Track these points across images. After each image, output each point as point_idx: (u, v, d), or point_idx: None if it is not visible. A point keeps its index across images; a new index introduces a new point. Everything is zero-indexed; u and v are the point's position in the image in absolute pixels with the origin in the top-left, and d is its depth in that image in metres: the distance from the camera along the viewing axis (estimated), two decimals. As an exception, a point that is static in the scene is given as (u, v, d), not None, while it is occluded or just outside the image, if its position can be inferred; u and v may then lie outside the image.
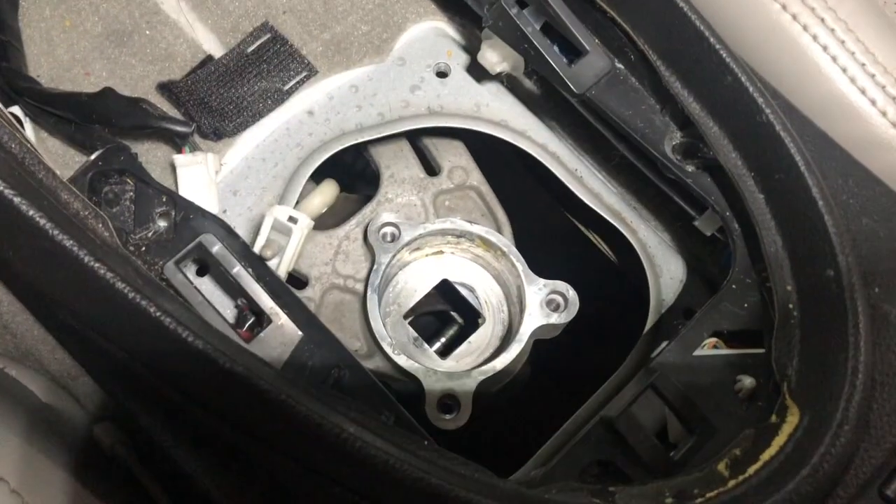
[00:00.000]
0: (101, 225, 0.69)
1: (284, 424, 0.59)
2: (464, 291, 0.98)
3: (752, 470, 0.62)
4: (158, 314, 0.60)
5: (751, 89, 0.71)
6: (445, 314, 1.04)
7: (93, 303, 0.62)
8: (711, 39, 0.72)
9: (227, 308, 0.78)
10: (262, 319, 0.74)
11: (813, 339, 0.67)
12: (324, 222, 1.09)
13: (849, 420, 0.61)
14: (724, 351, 0.72)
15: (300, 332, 0.72)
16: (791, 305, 0.69)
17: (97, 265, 0.60)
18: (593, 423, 0.69)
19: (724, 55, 0.71)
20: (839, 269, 0.66)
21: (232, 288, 0.75)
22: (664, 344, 0.78)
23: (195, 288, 0.72)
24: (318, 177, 1.01)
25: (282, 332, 0.72)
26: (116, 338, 0.62)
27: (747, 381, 0.69)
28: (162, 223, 0.78)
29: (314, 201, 1.07)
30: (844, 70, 0.81)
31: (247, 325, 0.76)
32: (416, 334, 0.95)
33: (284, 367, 0.69)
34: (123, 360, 0.64)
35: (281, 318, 0.72)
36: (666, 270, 0.91)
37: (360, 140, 0.93)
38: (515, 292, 0.94)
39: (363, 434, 0.59)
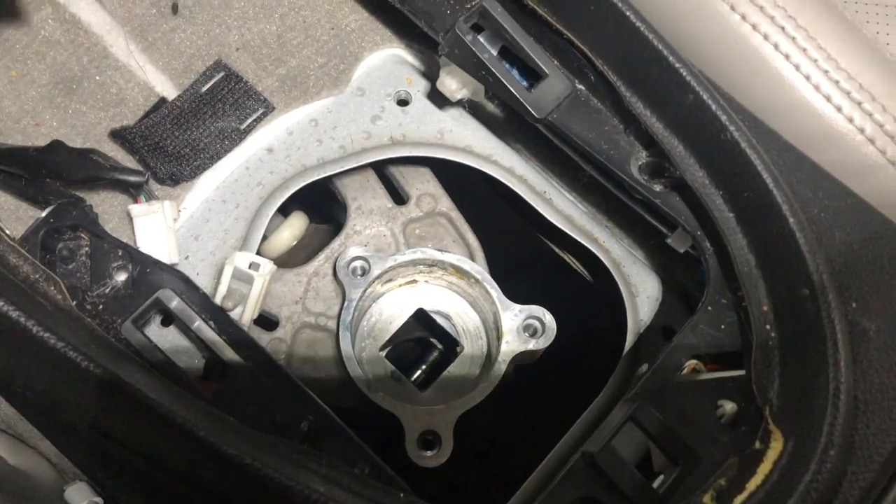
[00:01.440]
0: (53, 288, 0.67)
1: (252, 489, 0.57)
2: (440, 320, 0.96)
3: (738, 501, 0.60)
4: (113, 381, 0.58)
5: (713, 107, 0.69)
6: (425, 340, 1.02)
7: (45, 373, 0.59)
8: (671, 58, 0.70)
9: (194, 358, 0.76)
10: (227, 372, 0.72)
11: (792, 360, 0.65)
12: (295, 255, 1.07)
13: (834, 444, 0.60)
14: (705, 375, 0.70)
15: (267, 384, 0.70)
16: (768, 326, 0.67)
17: (47, 335, 0.58)
18: (575, 459, 0.67)
19: (685, 73, 0.70)
20: (814, 287, 0.64)
21: (195, 341, 0.73)
22: (643, 368, 0.76)
23: (155, 346, 0.70)
24: (286, 209, 0.98)
25: (248, 386, 0.70)
26: (72, 407, 0.60)
27: (728, 406, 0.67)
28: (120, 278, 0.75)
29: (283, 235, 1.05)
30: (808, 78, 0.80)
31: (213, 377, 0.73)
32: (393, 368, 0.93)
33: (252, 422, 0.66)
34: (83, 428, 0.62)
35: (246, 371, 0.70)
36: (642, 289, 0.90)
37: (323, 175, 0.91)
38: (492, 318, 0.92)
39: (334, 492, 0.57)
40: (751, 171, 0.68)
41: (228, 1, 0.94)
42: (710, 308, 0.73)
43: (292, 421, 0.68)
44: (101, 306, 0.72)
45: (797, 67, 0.80)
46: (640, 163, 0.78)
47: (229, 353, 0.71)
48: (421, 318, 0.96)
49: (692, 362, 0.73)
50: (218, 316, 0.72)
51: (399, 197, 0.99)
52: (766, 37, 0.81)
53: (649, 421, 0.66)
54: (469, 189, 1.00)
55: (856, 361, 0.64)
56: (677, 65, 0.70)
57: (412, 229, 0.97)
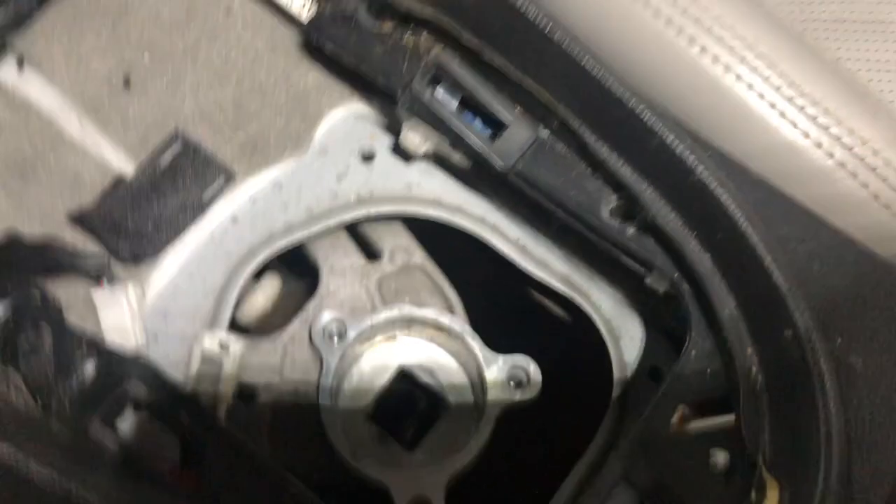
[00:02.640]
0: (13, 392, 0.64)
1: None
2: (423, 376, 0.94)
3: (738, 558, 0.58)
4: (84, 494, 0.55)
5: (679, 149, 0.68)
6: (409, 398, 1.00)
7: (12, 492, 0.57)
8: (632, 103, 0.69)
9: (169, 447, 0.73)
10: (203, 459, 0.69)
11: (782, 404, 0.63)
12: (272, 318, 1.04)
13: (830, 492, 0.58)
14: (695, 424, 0.68)
15: (245, 473, 0.67)
16: (754, 370, 0.65)
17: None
18: (569, 525, 0.65)
19: (647, 117, 0.68)
20: (797, 328, 0.62)
21: (168, 430, 0.71)
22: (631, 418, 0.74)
23: (126, 443, 0.67)
24: (259, 272, 0.96)
25: (225, 476, 0.67)
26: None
27: (721, 456, 0.65)
28: (87, 370, 0.72)
29: (256, 300, 1.02)
30: (773, 105, 0.79)
31: (191, 464, 0.71)
32: (378, 429, 0.90)
33: (232, 515, 0.64)
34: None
35: (222, 460, 0.68)
36: (625, 332, 0.88)
37: (291, 241, 0.89)
38: (476, 372, 0.90)
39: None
40: (722, 212, 0.66)
41: (181, 70, 0.92)
42: (693, 353, 0.71)
43: (274, 509, 0.66)
44: (66, 403, 0.70)
45: (761, 96, 0.78)
46: (610, 206, 0.76)
47: (202, 442, 0.68)
48: (403, 375, 0.94)
49: (681, 409, 0.71)
50: (189, 404, 0.70)
51: (372, 252, 0.97)
52: (727, 67, 0.79)
53: (641, 479, 0.64)
54: (443, 239, 0.98)
55: (845, 400, 0.62)
56: (639, 108, 0.69)
57: (387, 285, 0.96)
